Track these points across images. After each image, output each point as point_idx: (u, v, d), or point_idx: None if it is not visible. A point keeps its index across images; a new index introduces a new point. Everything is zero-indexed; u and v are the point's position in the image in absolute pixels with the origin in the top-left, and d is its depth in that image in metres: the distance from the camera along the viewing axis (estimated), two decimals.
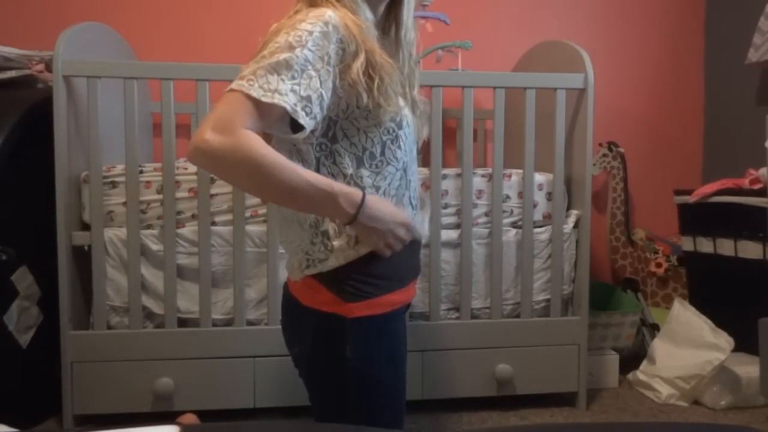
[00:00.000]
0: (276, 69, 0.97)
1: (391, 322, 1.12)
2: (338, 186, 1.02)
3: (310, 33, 0.99)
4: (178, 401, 1.94)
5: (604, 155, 2.82)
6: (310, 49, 0.98)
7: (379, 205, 1.05)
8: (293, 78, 0.97)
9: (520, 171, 2.11)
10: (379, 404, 1.12)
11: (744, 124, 2.72)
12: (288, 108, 0.96)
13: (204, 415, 1.98)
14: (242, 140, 0.94)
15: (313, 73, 0.99)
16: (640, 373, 2.36)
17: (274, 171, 0.95)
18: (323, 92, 1.00)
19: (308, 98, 0.98)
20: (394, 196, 1.12)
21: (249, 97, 0.95)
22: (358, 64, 1.02)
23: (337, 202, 1.00)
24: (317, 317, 1.09)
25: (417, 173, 1.21)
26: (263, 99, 0.95)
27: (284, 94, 0.96)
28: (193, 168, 1.96)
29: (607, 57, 2.89)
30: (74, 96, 1.91)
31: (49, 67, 2.09)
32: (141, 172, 1.93)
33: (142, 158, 2.24)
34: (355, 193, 1.03)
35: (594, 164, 2.77)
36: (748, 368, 2.15)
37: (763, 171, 2.22)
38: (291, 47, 0.98)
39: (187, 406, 1.92)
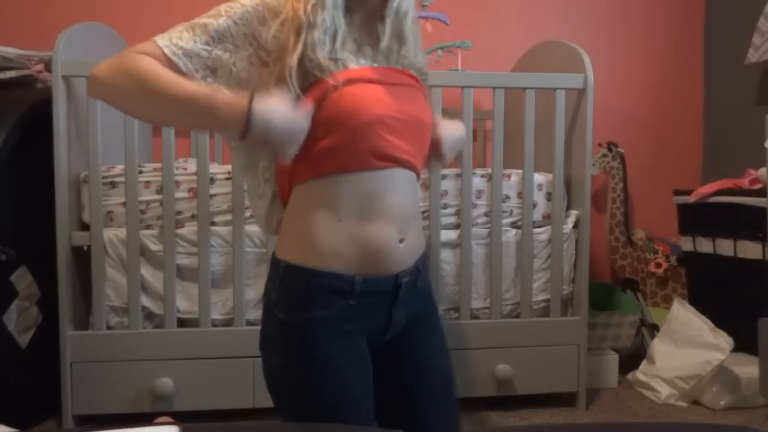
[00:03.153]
0: (193, 28, 0.97)
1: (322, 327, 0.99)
2: (221, 92, 0.92)
3: (242, 5, 0.97)
4: (177, 401, 1.94)
5: (604, 155, 2.82)
6: (235, 22, 0.96)
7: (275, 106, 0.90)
8: (207, 44, 0.96)
9: (520, 171, 2.11)
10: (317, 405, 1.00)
11: (744, 124, 2.71)
12: (184, 70, 0.95)
13: (204, 415, 1.99)
14: (129, 57, 0.93)
15: (230, 46, 0.96)
16: (640, 374, 2.36)
17: (154, 80, 0.91)
18: (232, 69, 0.97)
19: (213, 70, 0.97)
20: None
21: (155, 43, 0.96)
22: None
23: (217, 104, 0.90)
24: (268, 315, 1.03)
25: None
26: (165, 50, 0.95)
27: (188, 56, 0.95)
28: (192, 168, 1.97)
29: (607, 57, 2.89)
30: (74, 96, 1.91)
31: (48, 67, 2.08)
32: (140, 172, 1.93)
33: (142, 158, 2.24)
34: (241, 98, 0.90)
35: (593, 164, 2.77)
36: (747, 368, 2.15)
37: (762, 171, 2.21)
38: (218, 14, 0.97)
39: (186, 406, 1.92)
